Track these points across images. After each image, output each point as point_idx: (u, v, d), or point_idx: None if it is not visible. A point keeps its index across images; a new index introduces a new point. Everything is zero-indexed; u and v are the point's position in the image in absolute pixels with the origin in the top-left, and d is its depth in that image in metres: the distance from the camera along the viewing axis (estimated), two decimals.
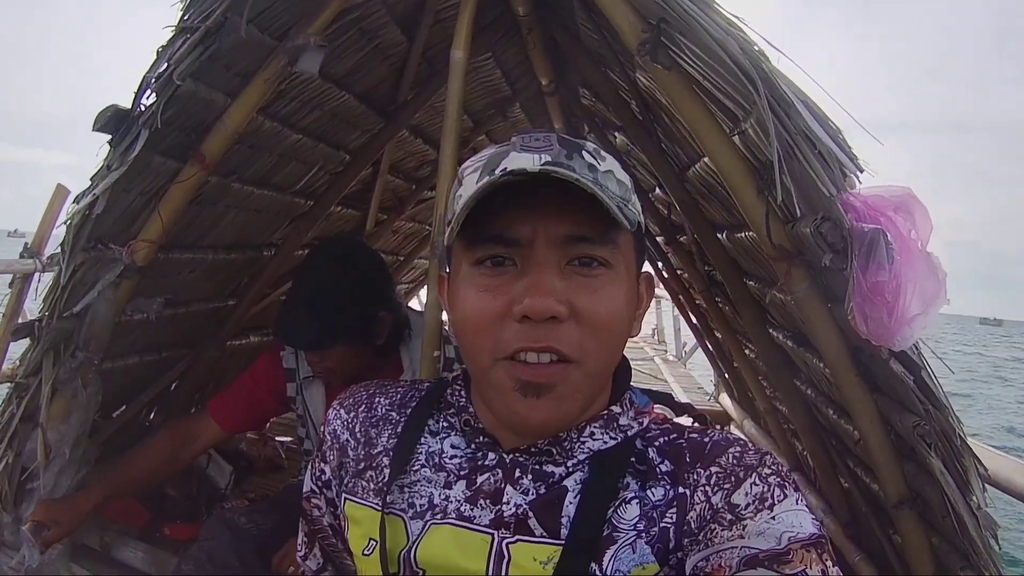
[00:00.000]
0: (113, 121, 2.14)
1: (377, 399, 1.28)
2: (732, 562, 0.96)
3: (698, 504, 1.02)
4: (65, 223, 2.26)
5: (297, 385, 2.82)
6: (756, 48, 1.68)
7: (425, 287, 7.03)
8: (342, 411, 1.28)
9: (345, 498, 1.23)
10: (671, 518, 1.03)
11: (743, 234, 2.74)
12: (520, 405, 1.03)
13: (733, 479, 1.02)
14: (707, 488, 1.03)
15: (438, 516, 1.11)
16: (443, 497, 1.12)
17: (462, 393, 1.21)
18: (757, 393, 4.10)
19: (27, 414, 2.42)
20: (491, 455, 1.13)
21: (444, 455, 1.16)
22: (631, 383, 1.22)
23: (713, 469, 1.04)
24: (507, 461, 1.12)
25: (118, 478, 2.58)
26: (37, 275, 4.18)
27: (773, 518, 0.98)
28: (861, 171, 1.72)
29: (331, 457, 1.27)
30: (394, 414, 1.25)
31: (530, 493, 1.08)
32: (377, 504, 1.16)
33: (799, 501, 1.00)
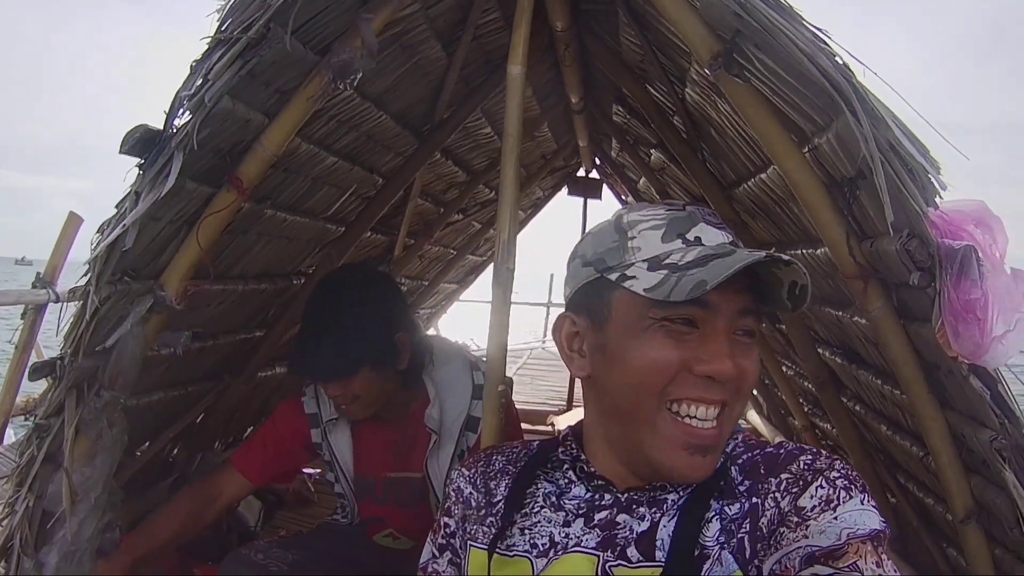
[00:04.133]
0: (142, 143, 1.97)
1: (495, 456, 1.41)
2: (795, 562, 1.03)
3: (768, 510, 1.10)
4: (91, 255, 2.07)
5: (321, 431, 2.72)
6: (841, 61, 1.63)
7: (447, 311, 7.07)
8: (464, 470, 1.41)
9: (469, 544, 1.32)
10: (746, 528, 1.10)
11: (798, 251, 2.68)
12: (685, 462, 1.14)
13: (801, 483, 1.09)
14: (776, 494, 1.11)
15: (559, 552, 1.20)
16: (563, 535, 1.21)
17: (573, 446, 1.32)
18: (795, 411, 4.05)
19: (49, 455, 2.27)
20: (607, 496, 1.23)
21: (563, 497, 1.27)
22: None
23: (783, 476, 1.12)
24: (623, 499, 1.22)
25: (144, 543, 2.52)
26: (49, 306, 4.11)
27: (836, 518, 1.04)
28: (945, 188, 1.66)
29: (455, 511, 1.38)
30: (511, 467, 1.37)
31: (645, 519, 1.18)
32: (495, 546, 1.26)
33: (864, 501, 1.06)
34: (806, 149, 1.93)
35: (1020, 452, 1.75)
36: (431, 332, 5.71)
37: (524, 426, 3.37)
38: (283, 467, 2.82)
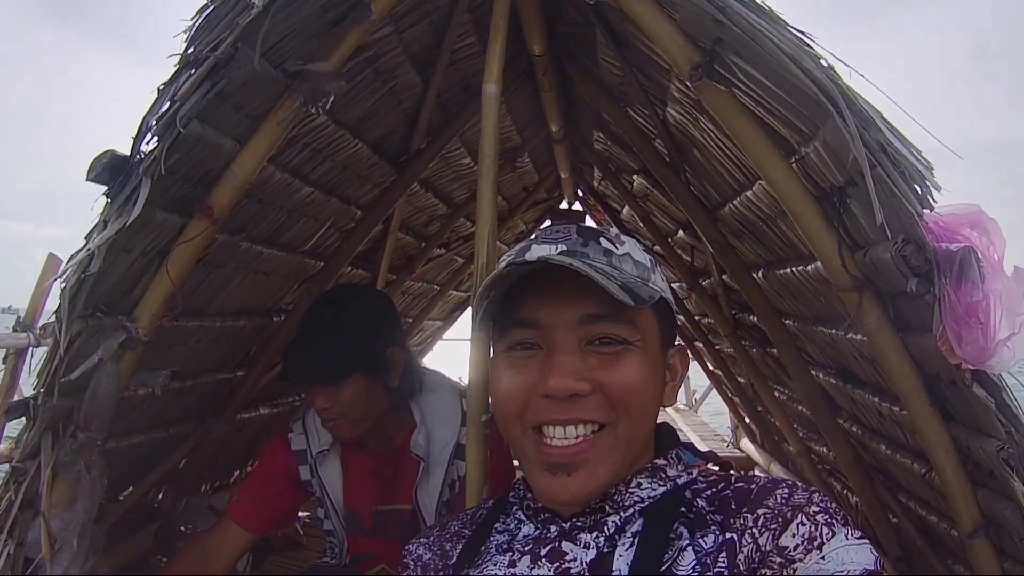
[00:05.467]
0: (109, 169, 1.91)
1: (450, 522, 1.39)
2: None
3: (746, 546, 1.04)
4: (60, 288, 2.00)
5: (310, 466, 2.68)
6: (826, 63, 1.59)
7: (433, 350, 7.02)
8: (420, 538, 1.39)
9: None
10: (723, 563, 1.04)
11: (788, 270, 2.64)
12: (551, 484, 1.14)
13: (780, 520, 1.04)
14: (754, 530, 1.05)
15: None
16: (509, 574, 1.17)
17: (522, 487, 1.30)
18: (789, 436, 4.03)
19: (27, 500, 2.19)
20: (553, 528, 1.19)
21: (514, 542, 1.23)
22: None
23: (760, 511, 1.06)
24: (567, 529, 1.17)
25: None
26: (31, 350, 4.06)
27: (823, 558, 0.98)
28: (939, 189, 1.62)
29: None
30: (465, 529, 1.34)
31: (591, 547, 1.13)
32: None
33: (849, 535, 1.01)
34: (793, 160, 1.90)
35: None
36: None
37: None
38: (278, 509, 2.75)
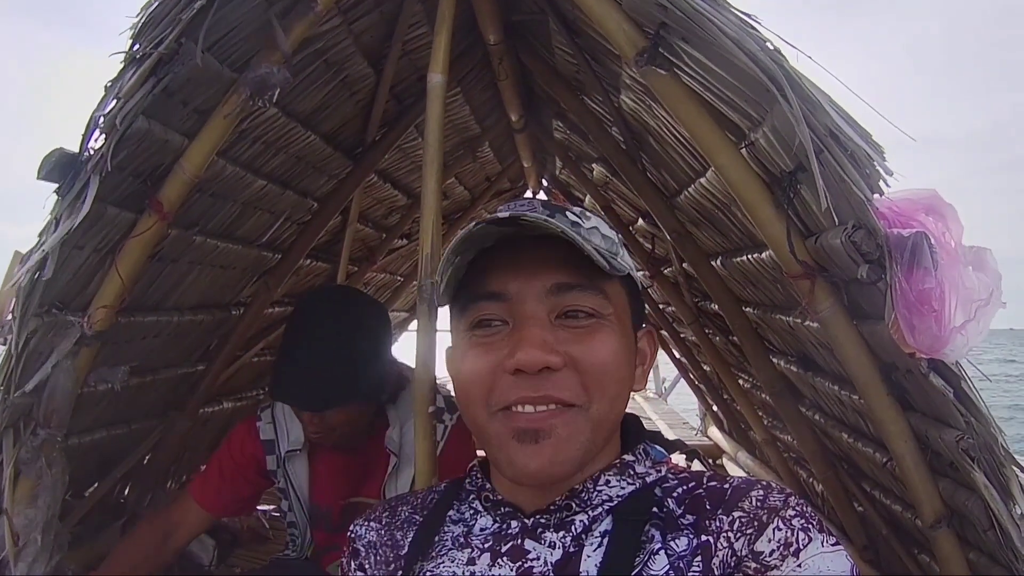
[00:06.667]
0: (59, 168, 1.92)
1: (399, 507, 1.30)
2: None
3: (721, 551, 1.00)
4: (12, 286, 2.05)
5: (277, 458, 2.64)
6: (772, 46, 1.57)
7: (399, 339, 6.98)
8: (369, 522, 1.29)
9: None
10: (698, 567, 1.00)
11: (744, 257, 2.64)
12: (518, 453, 1.04)
13: (756, 524, 1.00)
14: (729, 534, 1.01)
15: None
16: (468, 573, 1.11)
17: (479, 476, 1.24)
18: (754, 424, 4.02)
19: None
20: (514, 523, 1.13)
21: (471, 536, 1.16)
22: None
23: (736, 514, 1.02)
24: (529, 525, 1.11)
25: None
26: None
27: (799, 565, 0.96)
28: (891, 173, 1.60)
29: (368, 565, 1.27)
30: (416, 515, 1.26)
31: (556, 546, 1.08)
32: None
33: (825, 542, 0.98)
34: (743, 146, 1.88)
35: (989, 451, 1.70)
36: None
37: None
38: (240, 494, 2.72)
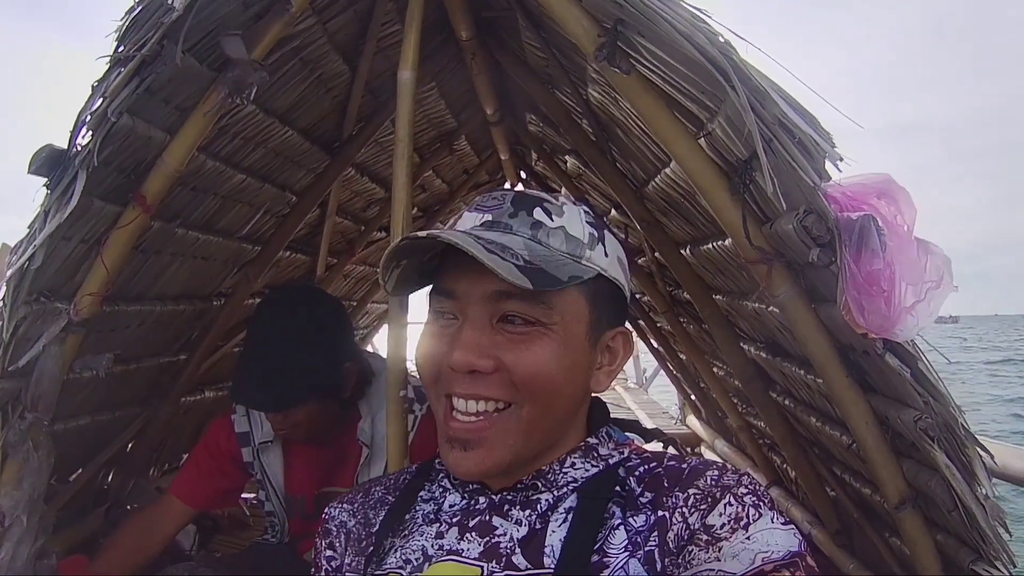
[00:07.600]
0: (49, 162, 2.00)
1: (373, 488, 1.35)
2: None
3: (676, 524, 1.05)
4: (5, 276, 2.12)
5: (252, 449, 2.68)
6: (723, 39, 1.62)
7: (379, 332, 7.00)
8: (343, 504, 1.34)
9: None
10: (654, 541, 1.05)
11: (709, 245, 2.69)
12: (449, 456, 1.13)
13: (709, 500, 1.04)
14: (684, 509, 1.05)
15: (432, 561, 1.14)
16: (437, 546, 1.15)
17: None
18: (729, 411, 4.07)
19: None
20: (482, 499, 1.18)
21: (441, 512, 1.21)
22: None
23: (691, 491, 1.06)
24: (496, 501, 1.17)
25: None
26: None
27: (748, 538, 1.00)
28: (841, 159, 1.65)
29: (338, 544, 1.31)
30: (389, 495, 1.31)
31: (523, 524, 1.12)
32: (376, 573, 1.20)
33: (775, 519, 1.02)
34: (701, 136, 1.92)
35: (948, 430, 1.74)
36: (368, 349, 5.63)
37: None
38: (219, 487, 2.77)
